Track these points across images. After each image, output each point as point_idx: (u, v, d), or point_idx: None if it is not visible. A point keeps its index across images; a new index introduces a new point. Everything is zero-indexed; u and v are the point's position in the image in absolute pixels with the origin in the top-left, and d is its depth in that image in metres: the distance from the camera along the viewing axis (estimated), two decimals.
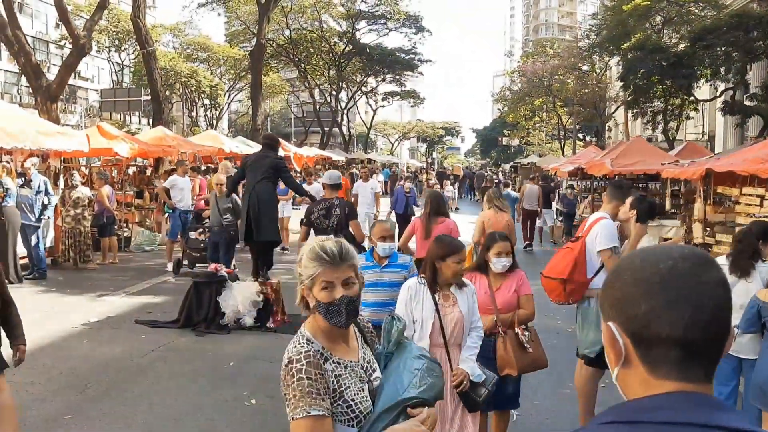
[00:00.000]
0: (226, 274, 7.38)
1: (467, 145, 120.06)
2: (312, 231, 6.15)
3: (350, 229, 6.11)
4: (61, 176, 11.73)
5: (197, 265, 10.38)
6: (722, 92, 23.12)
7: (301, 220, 6.53)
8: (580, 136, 50.27)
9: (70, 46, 45.48)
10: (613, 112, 42.69)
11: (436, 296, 3.45)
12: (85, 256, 10.60)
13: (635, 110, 25.98)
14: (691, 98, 24.57)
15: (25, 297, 8.40)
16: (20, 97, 42.76)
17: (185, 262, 10.34)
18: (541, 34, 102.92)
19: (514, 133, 67.00)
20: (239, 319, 7.12)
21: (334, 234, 6.10)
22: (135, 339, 6.71)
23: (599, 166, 12.76)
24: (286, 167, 8.06)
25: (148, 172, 14.46)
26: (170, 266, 10.45)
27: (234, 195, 8.97)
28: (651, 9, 28.41)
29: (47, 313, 7.57)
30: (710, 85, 24.11)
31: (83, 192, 10.56)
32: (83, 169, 13.99)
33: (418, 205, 13.73)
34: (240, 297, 7.10)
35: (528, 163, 33.77)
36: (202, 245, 10.11)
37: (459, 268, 3.45)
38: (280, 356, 5.92)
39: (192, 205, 11.01)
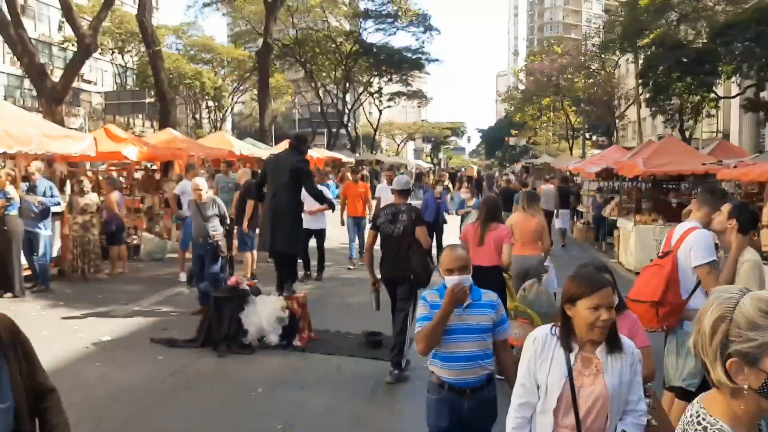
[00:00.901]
0: (247, 288, 6.80)
1: (472, 146, 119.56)
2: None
3: (416, 235, 5.84)
4: (68, 181, 11.18)
5: None
6: (745, 89, 22.55)
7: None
8: (588, 135, 49.65)
9: (74, 48, 45.08)
10: (625, 110, 42.04)
11: (572, 357, 2.38)
12: (95, 265, 10.04)
13: (654, 108, 25.45)
14: (712, 95, 23.99)
15: (30, 312, 7.86)
16: (23, 100, 42.34)
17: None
18: (546, 33, 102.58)
19: (521, 132, 66.51)
20: (263, 337, 6.54)
21: (399, 241, 5.79)
22: (152, 361, 6.13)
23: (630, 167, 12.15)
24: (308, 171, 7.46)
25: (157, 176, 13.88)
26: (183, 276, 9.88)
27: (218, 200, 8.22)
28: (667, 4, 27.73)
29: (55, 332, 6.99)
30: (732, 82, 23.43)
31: (92, 198, 10.00)
32: (89, 173, 13.41)
33: (449, 212, 12.87)
34: (264, 313, 6.52)
35: (541, 164, 33.17)
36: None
37: (595, 318, 2.32)
38: (311, 380, 5.29)
39: None
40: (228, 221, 8.12)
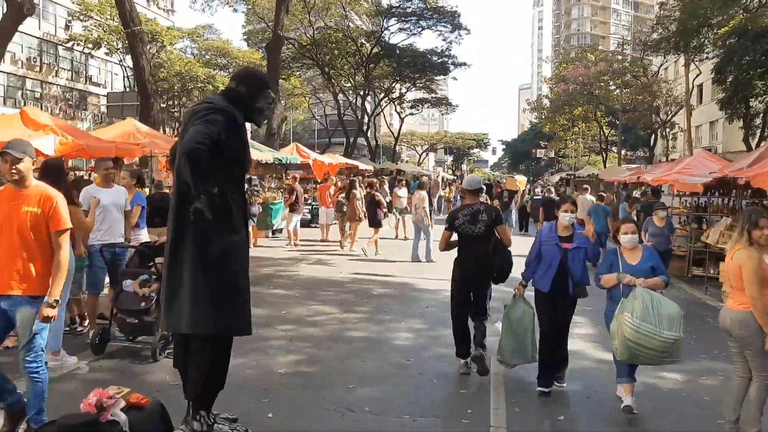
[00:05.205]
0: (122, 419, 3.08)
1: (494, 158, 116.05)
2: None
3: (497, 234, 5.82)
4: None
5: (137, 338, 6.10)
6: None
7: None
8: (617, 150, 45.71)
9: (79, 48, 42.19)
10: (672, 116, 37.94)
11: None
12: None
13: (729, 112, 21.55)
14: None
15: None
16: (24, 102, 39.50)
17: (115, 331, 6.06)
18: (572, 44, 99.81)
19: (551, 143, 62.86)
20: None
21: (481, 240, 5.75)
22: None
23: None
24: (207, 122, 3.15)
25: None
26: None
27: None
28: None
29: None
30: None
31: None
32: None
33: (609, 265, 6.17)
34: None
35: (588, 175, 29.26)
36: (143, 305, 5.84)
37: None
38: None
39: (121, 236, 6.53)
40: None
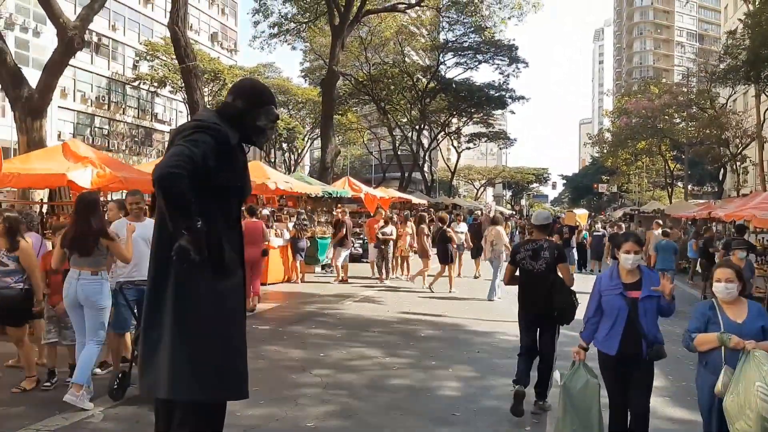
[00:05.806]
0: None
1: (554, 193, 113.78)
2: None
3: (559, 273, 5.66)
4: None
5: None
6: None
7: None
8: (683, 185, 43.75)
9: (145, 86, 43.58)
10: (743, 149, 36.00)
11: None
12: None
13: None
14: None
15: None
16: (92, 139, 41.00)
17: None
18: (634, 77, 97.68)
19: (614, 178, 61.00)
20: None
21: (541, 277, 5.64)
22: None
23: None
24: (190, 142, 2.68)
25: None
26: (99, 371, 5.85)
27: None
28: None
29: None
30: None
31: None
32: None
33: None
34: None
35: (653, 211, 27.90)
36: None
37: None
38: None
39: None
40: None
